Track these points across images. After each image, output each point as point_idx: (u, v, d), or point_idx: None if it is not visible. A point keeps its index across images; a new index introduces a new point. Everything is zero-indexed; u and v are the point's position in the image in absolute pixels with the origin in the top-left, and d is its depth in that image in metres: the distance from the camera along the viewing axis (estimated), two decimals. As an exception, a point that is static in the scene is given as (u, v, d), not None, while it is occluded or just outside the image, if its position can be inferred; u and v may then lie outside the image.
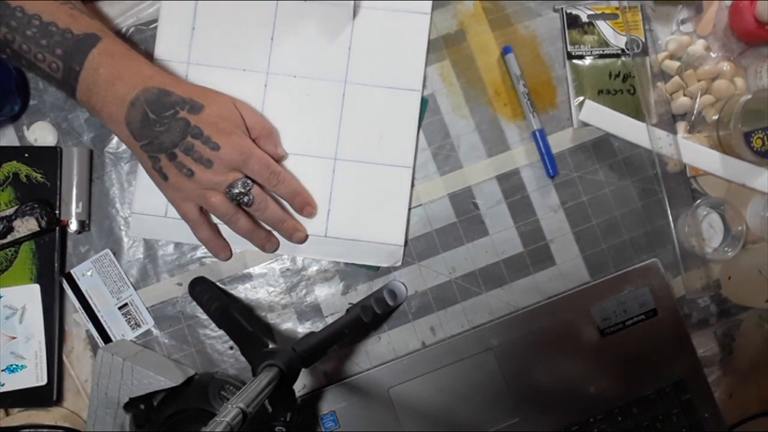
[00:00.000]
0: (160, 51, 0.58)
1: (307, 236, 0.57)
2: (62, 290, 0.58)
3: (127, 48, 0.51)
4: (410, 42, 0.58)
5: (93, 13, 0.55)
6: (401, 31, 0.58)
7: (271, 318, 0.59)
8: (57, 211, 0.57)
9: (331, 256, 0.58)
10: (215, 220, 0.56)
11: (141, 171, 0.57)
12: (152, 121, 0.49)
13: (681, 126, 0.60)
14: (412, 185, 0.58)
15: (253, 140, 0.54)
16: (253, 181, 0.52)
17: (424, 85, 0.59)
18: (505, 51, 0.59)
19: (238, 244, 0.57)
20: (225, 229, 0.56)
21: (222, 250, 0.56)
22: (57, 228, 0.57)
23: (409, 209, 0.58)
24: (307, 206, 0.56)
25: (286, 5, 0.58)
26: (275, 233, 0.57)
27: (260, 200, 0.52)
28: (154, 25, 0.59)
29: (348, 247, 0.57)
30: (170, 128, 0.49)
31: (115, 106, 0.49)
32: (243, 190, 0.51)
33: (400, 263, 0.58)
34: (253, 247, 0.56)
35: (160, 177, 0.51)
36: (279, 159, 0.56)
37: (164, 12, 0.58)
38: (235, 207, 0.52)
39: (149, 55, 0.58)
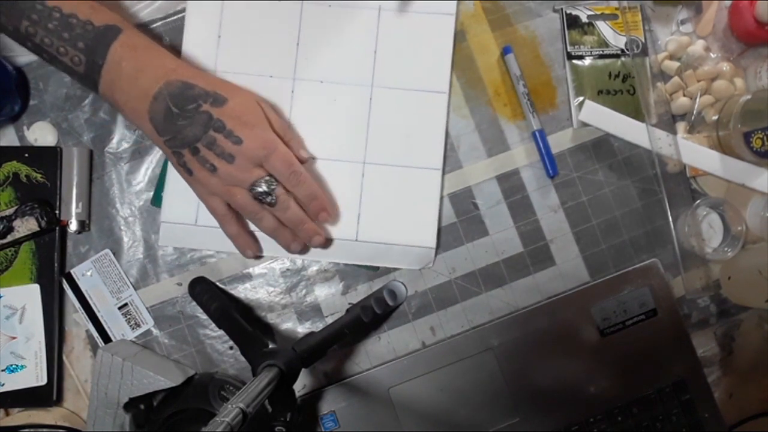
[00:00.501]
0: (187, 59, 0.57)
1: (326, 240, 0.56)
2: (62, 290, 0.58)
3: (148, 40, 0.50)
4: (435, 43, 0.58)
5: (112, 4, 0.54)
6: (426, 32, 0.58)
7: (271, 318, 0.59)
8: (57, 211, 0.57)
9: (362, 260, 0.58)
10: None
11: (169, 178, 0.57)
12: (175, 115, 0.48)
13: (681, 126, 0.60)
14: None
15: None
16: (277, 181, 0.51)
17: None
18: (505, 51, 0.59)
19: (268, 250, 0.57)
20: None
21: (250, 246, 0.55)
22: (57, 228, 0.57)
23: (440, 211, 0.58)
24: (323, 212, 0.54)
25: (311, 10, 0.57)
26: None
27: (283, 200, 0.51)
28: (154, 25, 0.59)
29: (379, 250, 0.57)
30: (193, 122, 0.48)
31: (139, 101, 0.49)
32: (267, 190, 0.50)
33: (432, 265, 0.58)
34: (281, 251, 0.56)
35: (185, 172, 0.51)
36: (302, 161, 0.54)
37: (190, 20, 0.57)
38: (261, 205, 0.51)
39: (173, 50, 0.57)
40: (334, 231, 0.57)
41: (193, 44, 0.57)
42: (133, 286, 0.58)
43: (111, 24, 0.49)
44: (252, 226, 0.56)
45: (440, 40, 0.58)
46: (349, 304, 0.58)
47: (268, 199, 0.51)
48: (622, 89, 0.59)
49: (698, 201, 0.58)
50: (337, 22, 0.57)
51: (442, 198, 0.58)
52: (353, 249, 0.57)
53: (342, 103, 0.58)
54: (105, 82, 0.49)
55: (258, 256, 0.57)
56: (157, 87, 0.48)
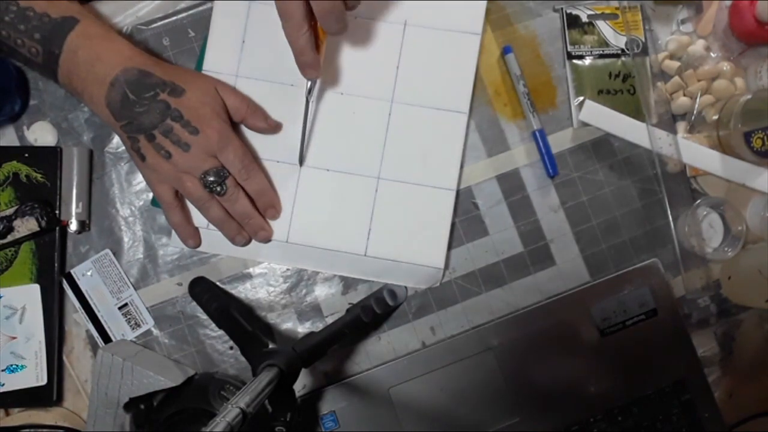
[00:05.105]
0: (210, 63, 0.57)
1: (271, 237, 0.56)
2: (62, 290, 0.58)
3: (106, 29, 0.51)
4: (459, 62, 0.58)
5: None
6: (450, 50, 0.57)
7: (271, 318, 0.59)
8: (57, 211, 0.57)
9: (369, 275, 0.58)
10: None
11: None
12: (132, 101, 0.49)
13: (681, 126, 0.60)
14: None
15: (241, 121, 0.55)
16: (230, 173, 0.52)
17: None
18: (505, 51, 0.59)
19: (223, 250, 0.57)
20: (213, 232, 0.56)
21: (191, 236, 0.56)
22: (57, 228, 0.57)
23: (452, 231, 0.58)
24: (270, 208, 0.56)
25: None
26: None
27: (232, 192, 0.53)
28: (154, 24, 0.59)
29: (387, 267, 0.57)
30: (150, 110, 0.49)
31: (96, 87, 0.49)
32: (217, 179, 0.51)
33: (438, 285, 0.58)
34: (220, 248, 0.57)
35: (138, 157, 0.51)
36: (273, 129, 0.56)
37: (215, 24, 0.57)
38: (209, 194, 0.52)
39: (152, 51, 0.57)
40: (343, 244, 0.57)
41: (216, 47, 0.57)
42: (133, 286, 0.58)
43: (68, 15, 0.49)
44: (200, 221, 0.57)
45: (464, 60, 0.58)
46: (349, 304, 0.58)
47: (218, 188, 0.52)
48: (622, 89, 0.59)
49: (698, 201, 0.58)
50: (362, 35, 0.57)
51: (452, 218, 0.58)
52: (361, 264, 0.57)
53: (361, 116, 0.57)
54: (63, 72, 0.50)
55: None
56: (114, 74, 0.49)
